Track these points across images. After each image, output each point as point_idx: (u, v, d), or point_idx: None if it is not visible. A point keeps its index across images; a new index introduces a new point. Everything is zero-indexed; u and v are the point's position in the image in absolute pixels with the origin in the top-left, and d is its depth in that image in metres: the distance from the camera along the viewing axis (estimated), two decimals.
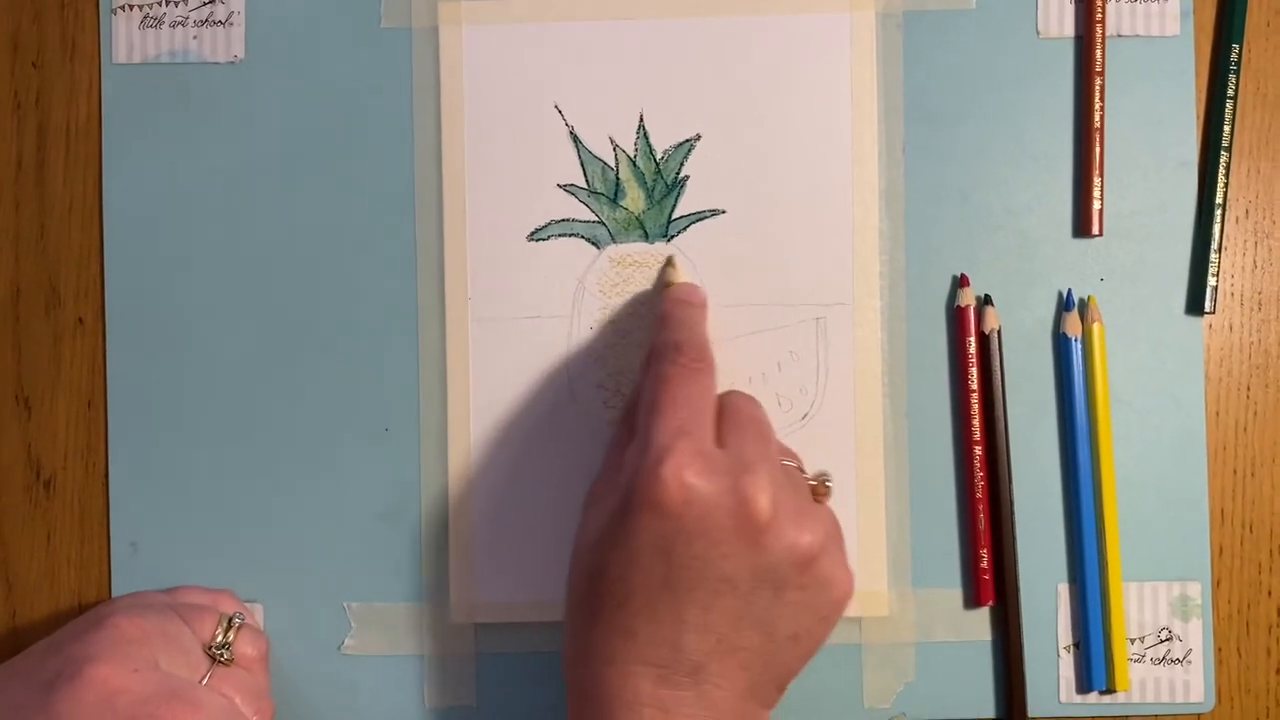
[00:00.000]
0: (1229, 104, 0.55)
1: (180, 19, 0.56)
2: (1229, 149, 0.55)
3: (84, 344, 0.56)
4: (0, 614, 0.56)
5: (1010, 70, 0.55)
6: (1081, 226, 0.55)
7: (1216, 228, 0.55)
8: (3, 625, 0.56)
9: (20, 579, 0.56)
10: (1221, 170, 0.55)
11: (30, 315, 0.56)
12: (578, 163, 0.55)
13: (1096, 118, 0.55)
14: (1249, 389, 0.56)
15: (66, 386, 0.56)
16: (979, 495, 0.54)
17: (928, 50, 0.55)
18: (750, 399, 0.48)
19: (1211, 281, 0.55)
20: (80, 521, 0.56)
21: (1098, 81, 0.55)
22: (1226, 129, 0.55)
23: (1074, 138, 0.55)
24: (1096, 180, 0.55)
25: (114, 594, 0.55)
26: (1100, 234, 0.55)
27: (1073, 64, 0.55)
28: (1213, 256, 0.55)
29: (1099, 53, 0.55)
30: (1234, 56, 0.55)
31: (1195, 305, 0.55)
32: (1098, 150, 0.55)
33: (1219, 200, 0.55)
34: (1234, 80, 0.55)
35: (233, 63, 0.56)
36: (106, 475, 0.56)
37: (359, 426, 0.55)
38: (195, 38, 0.56)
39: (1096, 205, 0.55)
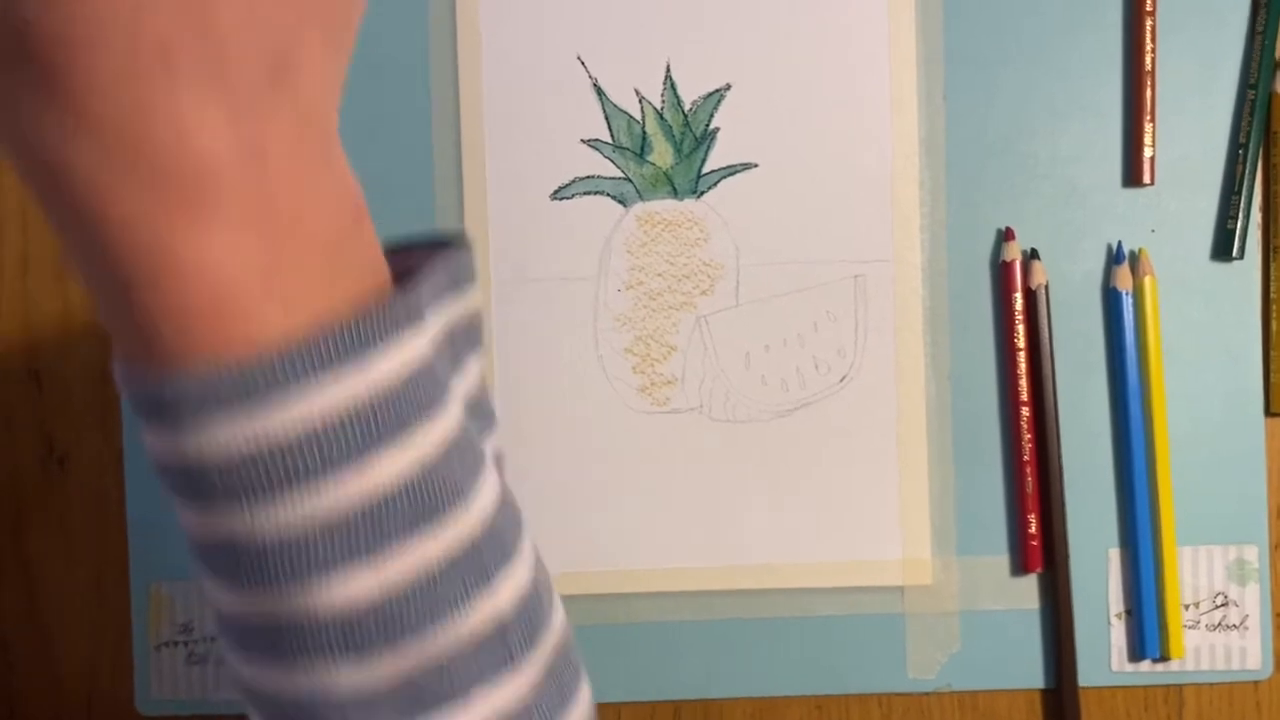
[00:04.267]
0: (1258, 39, 0.52)
1: None
2: (1255, 86, 0.52)
3: (96, 315, 0.54)
4: (18, 591, 0.54)
5: (1055, 11, 0.53)
6: (1132, 175, 0.53)
7: (1239, 168, 0.52)
8: (20, 604, 0.54)
9: (36, 557, 0.54)
10: (1246, 108, 0.52)
11: (39, 287, 0.54)
12: (602, 116, 0.53)
13: (1147, 61, 0.52)
14: None
15: (78, 360, 0.54)
16: (1026, 458, 0.52)
17: None
18: None
19: (1230, 225, 0.52)
20: (95, 499, 0.54)
21: (1148, 22, 0.52)
22: (1261, 67, 0.52)
23: (1123, 82, 0.53)
24: (1148, 126, 0.52)
25: (131, 575, 0.54)
26: (1152, 183, 0.53)
27: (1121, 3, 0.53)
28: (1239, 200, 0.53)
29: None
30: None
31: (1221, 251, 0.53)
32: (1149, 95, 0.52)
33: (1241, 140, 0.52)
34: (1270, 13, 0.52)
35: None
36: (121, 452, 0.54)
37: None
38: None
39: (1148, 153, 0.52)
